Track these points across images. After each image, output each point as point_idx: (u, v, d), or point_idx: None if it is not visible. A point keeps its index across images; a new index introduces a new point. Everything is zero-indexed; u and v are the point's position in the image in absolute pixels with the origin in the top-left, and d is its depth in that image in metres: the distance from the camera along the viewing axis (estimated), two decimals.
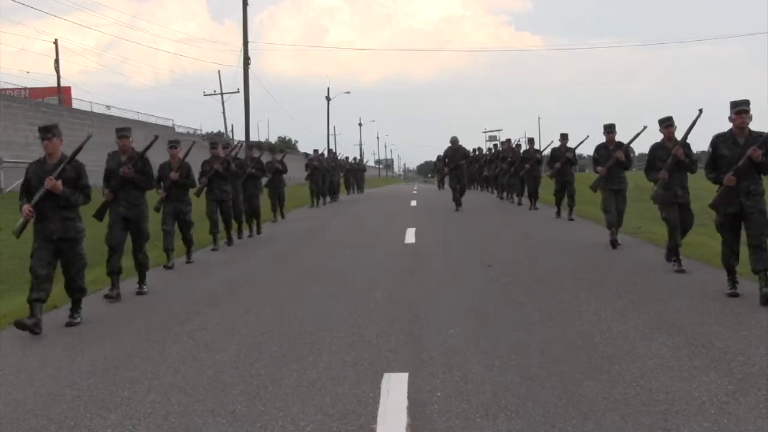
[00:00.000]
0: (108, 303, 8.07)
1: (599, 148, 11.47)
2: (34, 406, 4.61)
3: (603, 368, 4.88)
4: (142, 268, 8.67)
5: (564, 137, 16.08)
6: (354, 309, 7.10)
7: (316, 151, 25.62)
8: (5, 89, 39.21)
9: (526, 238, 12.99)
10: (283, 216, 18.81)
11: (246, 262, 11.22)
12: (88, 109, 39.03)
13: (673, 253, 8.86)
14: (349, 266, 10.14)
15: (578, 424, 3.92)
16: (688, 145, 8.85)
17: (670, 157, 8.69)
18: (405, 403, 4.34)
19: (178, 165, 10.94)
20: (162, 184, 10.84)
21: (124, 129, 8.83)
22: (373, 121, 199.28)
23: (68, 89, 46.23)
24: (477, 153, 32.81)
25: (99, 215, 8.49)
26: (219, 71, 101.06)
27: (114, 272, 8.31)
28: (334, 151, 32.65)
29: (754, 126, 7.06)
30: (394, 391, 4.56)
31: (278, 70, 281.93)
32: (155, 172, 9.89)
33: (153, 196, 9.75)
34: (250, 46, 33.88)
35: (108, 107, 42.54)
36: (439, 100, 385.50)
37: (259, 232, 15.16)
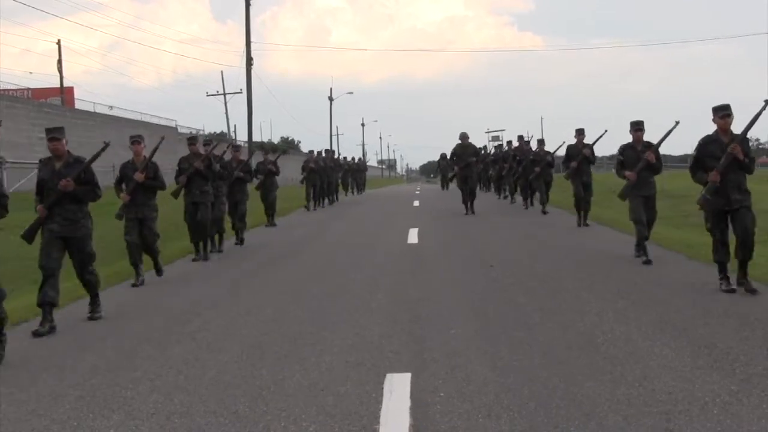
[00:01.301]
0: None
1: (625, 149, 9.78)
2: (37, 406, 4.62)
3: (605, 369, 4.87)
4: (91, 287, 7.30)
5: (580, 132, 14.43)
6: (356, 309, 7.10)
7: (311, 152, 24.53)
8: (8, 90, 39.26)
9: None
10: (274, 222, 17.36)
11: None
12: (91, 110, 39.08)
13: (736, 279, 7.32)
14: (350, 267, 10.15)
15: (581, 425, 3.91)
16: (747, 140, 7.51)
17: (725, 155, 7.14)
18: (407, 403, 4.34)
19: (144, 164, 9.36)
20: (125, 186, 9.41)
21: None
22: (376, 121, 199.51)
23: (71, 90, 46.29)
24: (483, 152, 30.91)
25: (28, 236, 7.13)
26: (222, 72, 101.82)
27: (46, 303, 6.76)
28: (332, 150, 30.76)
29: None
30: (397, 391, 4.56)
31: (281, 70, 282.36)
32: (116, 173, 9.23)
33: (103, 206, 8.63)
34: (252, 47, 33.94)
35: (111, 108, 42.60)
36: (441, 101, 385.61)
37: (241, 242, 13.59)
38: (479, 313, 6.79)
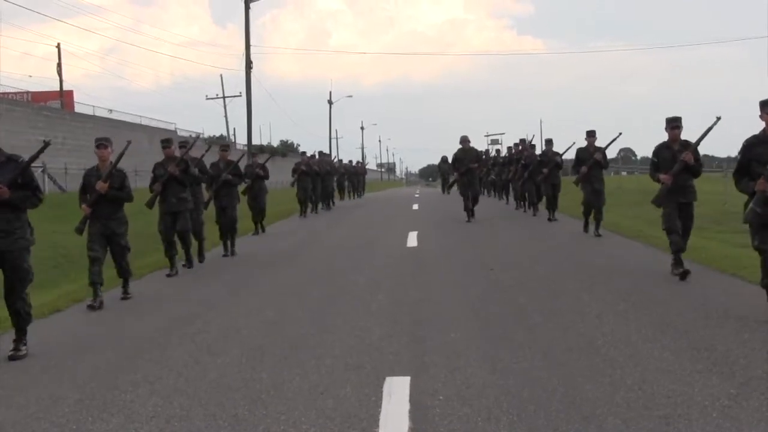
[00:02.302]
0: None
1: (660, 150, 8.57)
2: (36, 409, 4.61)
3: (605, 372, 4.87)
4: (20, 318, 6.11)
5: (591, 135, 13.28)
6: (355, 312, 7.10)
7: (303, 153, 23.12)
8: (7, 93, 39.28)
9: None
10: (263, 229, 16.43)
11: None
12: (91, 113, 39.10)
13: None
14: (349, 270, 10.14)
15: (580, 428, 3.91)
16: None
17: None
18: (407, 406, 4.34)
19: (108, 172, 8.19)
20: (87, 197, 8.26)
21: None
22: (375, 124, 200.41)
23: (70, 93, 46.32)
24: (484, 156, 28.84)
25: None
26: (221, 75, 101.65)
27: None
28: (327, 153, 27.48)
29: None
30: (396, 394, 4.56)
31: (280, 73, 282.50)
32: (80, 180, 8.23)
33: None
34: (252, 50, 33.90)
35: (110, 111, 42.63)
36: (441, 104, 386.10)
37: (233, 253, 12.50)
38: (479, 316, 6.79)
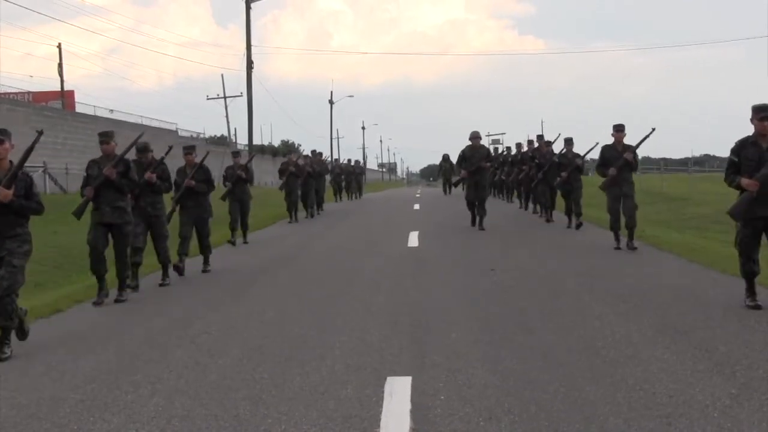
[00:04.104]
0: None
1: (743, 146, 6.70)
2: (37, 410, 4.62)
3: (606, 372, 4.88)
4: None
5: (619, 129, 11.08)
6: (356, 313, 7.10)
7: (292, 152, 20.84)
8: (8, 93, 39.33)
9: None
10: (245, 240, 14.52)
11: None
12: (92, 113, 39.13)
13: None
14: (350, 271, 10.14)
15: (581, 429, 3.92)
16: None
17: None
18: (408, 406, 4.34)
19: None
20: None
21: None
22: (376, 124, 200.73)
23: (72, 93, 46.41)
24: (500, 152, 27.15)
25: None
26: (222, 75, 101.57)
27: None
28: (319, 152, 24.48)
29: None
30: (397, 394, 4.56)
31: (282, 73, 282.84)
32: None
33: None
34: (253, 50, 33.94)
35: (111, 111, 42.69)
36: (442, 104, 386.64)
37: (206, 268, 10.66)
38: (480, 316, 6.79)
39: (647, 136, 11.23)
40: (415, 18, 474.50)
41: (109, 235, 8.41)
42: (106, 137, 8.48)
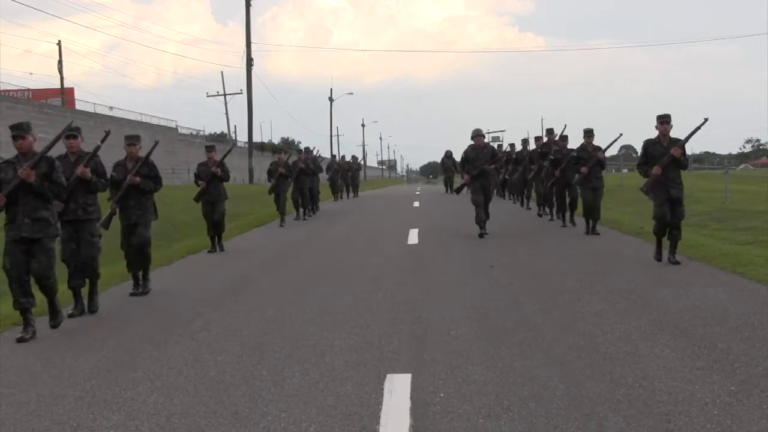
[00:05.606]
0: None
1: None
2: (36, 407, 4.62)
3: (605, 369, 4.88)
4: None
5: (665, 120, 9.27)
6: (356, 310, 7.10)
7: (282, 152, 19.12)
8: (8, 90, 39.29)
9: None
10: (221, 246, 12.75)
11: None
12: (91, 111, 39.10)
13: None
14: (350, 267, 10.14)
15: (581, 426, 3.92)
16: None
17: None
18: (408, 404, 4.35)
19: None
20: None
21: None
22: (376, 122, 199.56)
23: (71, 90, 46.34)
24: (508, 149, 24.03)
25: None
26: (222, 72, 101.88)
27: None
28: (311, 150, 22.82)
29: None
30: (397, 392, 4.56)
31: (281, 71, 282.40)
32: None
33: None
34: (253, 47, 33.98)
35: (111, 108, 42.61)
36: (442, 101, 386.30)
37: (144, 288, 8.71)
38: (479, 314, 6.79)
39: (698, 128, 9.49)
40: (415, 15, 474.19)
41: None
42: (20, 130, 6.65)
